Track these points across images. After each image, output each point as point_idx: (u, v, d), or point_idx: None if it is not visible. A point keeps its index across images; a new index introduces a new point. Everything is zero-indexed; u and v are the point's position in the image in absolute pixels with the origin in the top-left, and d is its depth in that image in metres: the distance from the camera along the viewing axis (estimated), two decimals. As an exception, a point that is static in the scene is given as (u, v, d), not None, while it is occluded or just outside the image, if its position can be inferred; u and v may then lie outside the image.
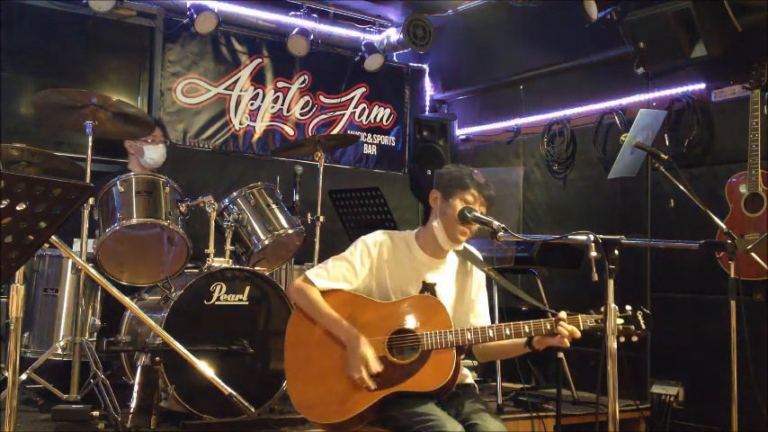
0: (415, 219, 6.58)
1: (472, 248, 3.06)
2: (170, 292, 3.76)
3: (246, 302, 3.84)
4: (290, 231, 4.32)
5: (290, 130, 6.35)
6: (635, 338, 2.61)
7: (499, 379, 4.50)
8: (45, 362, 3.76)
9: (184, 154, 5.81)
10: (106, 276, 3.73)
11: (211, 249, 3.96)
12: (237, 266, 3.94)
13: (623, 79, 5.21)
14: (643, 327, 2.62)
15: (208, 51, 6.01)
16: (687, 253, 4.51)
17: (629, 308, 2.64)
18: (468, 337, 2.72)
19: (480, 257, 3.06)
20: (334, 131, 6.46)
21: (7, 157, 3.77)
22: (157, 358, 3.46)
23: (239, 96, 6.13)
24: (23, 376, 3.59)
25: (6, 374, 2.16)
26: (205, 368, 3.01)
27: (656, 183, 4.92)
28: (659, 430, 4.70)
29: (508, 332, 2.71)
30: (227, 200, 4.23)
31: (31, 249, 1.82)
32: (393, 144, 6.86)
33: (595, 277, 2.37)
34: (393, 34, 6.39)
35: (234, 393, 2.97)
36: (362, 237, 2.95)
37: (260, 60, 6.22)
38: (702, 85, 4.84)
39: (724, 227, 3.50)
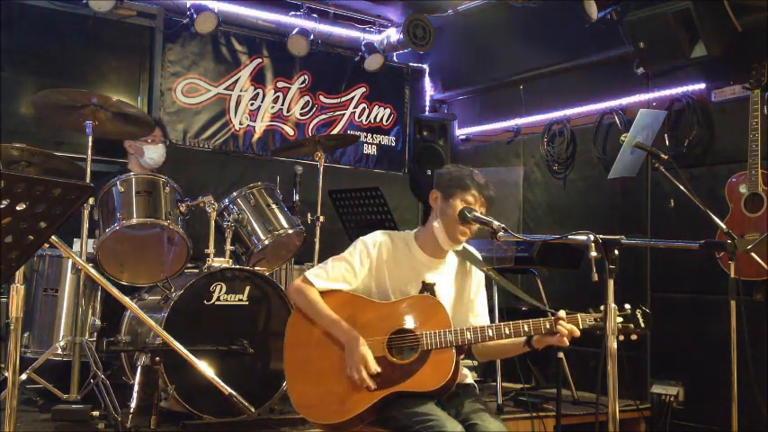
0: (414, 219, 6.58)
1: (471, 248, 3.06)
2: (170, 292, 3.76)
3: (246, 302, 3.84)
4: (290, 231, 4.32)
5: (290, 130, 6.35)
6: (634, 337, 2.61)
7: (499, 379, 4.50)
8: (45, 362, 3.76)
9: (184, 154, 5.81)
10: (106, 276, 3.74)
11: (211, 249, 3.96)
12: (237, 266, 3.94)
13: (623, 79, 5.21)
14: (642, 325, 2.62)
15: (208, 51, 6.01)
16: (687, 253, 4.51)
17: (628, 306, 2.64)
18: (468, 336, 2.72)
19: (479, 257, 3.06)
20: (334, 131, 6.46)
21: (7, 157, 3.77)
22: (157, 358, 3.46)
23: (239, 96, 6.13)
24: (23, 376, 3.59)
25: (6, 374, 2.16)
26: (205, 368, 3.01)
27: (656, 183, 4.92)
28: (659, 430, 4.70)
29: (507, 331, 2.72)
30: (227, 200, 4.23)
31: (31, 249, 1.82)
32: (393, 144, 6.86)
33: (595, 277, 2.37)
34: (393, 34, 6.40)
35: (234, 393, 2.97)
36: (362, 237, 2.95)
37: (260, 60, 6.22)
38: (702, 85, 4.84)
39: (724, 227, 3.50)
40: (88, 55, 5.58)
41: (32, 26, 5.31)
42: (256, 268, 4.14)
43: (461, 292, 2.98)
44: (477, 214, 2.80)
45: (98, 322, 3.96)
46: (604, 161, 5.35)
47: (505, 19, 5.97)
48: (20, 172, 3.69)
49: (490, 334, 2.73)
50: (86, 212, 3.81)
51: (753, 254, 3.51)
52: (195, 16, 5.58)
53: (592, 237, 2.43)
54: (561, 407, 4.25)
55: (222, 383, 2.97)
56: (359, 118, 6.67)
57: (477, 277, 3.03)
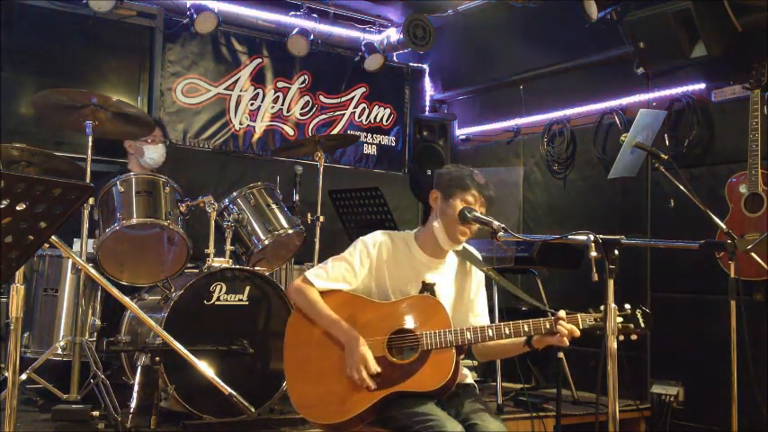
0: (414, 219, 6.58)
1: (471, 248, 3.06)
2: (170, 292, 3.76)
3: (246, 302, 3.84)
4: (290, 231, 4.32)
5: (290, 130, 6.35)
6: (634, 337, 2.61)
7: (499, 379, 4.50)
8: (45, 362, 3.76)
9: (184, 154, 5.81)
10: (106, 276, 3.74)
11: (211, 249, 3.96)
12: (237, 266, 3.94)
13: (623, 79, 5.21)
14: (642, 325, 2.62)
15: (208, 51, 6.01)
16: (687, 253, 4.51)
17: (628, 306, 2.64)
18: (468, 336, 2.72)
19: (479, 257, 3.06)
20: (335, 131, 6.46)
21: (7, 157, 3.77)
22: (157, 358, 3.46)
23: (239, 96, 6.13)
24: (23, 376, 3.59)
25: (6, 374, 2.16)
26: (205, 368, 3.02)
27: (656, 183, 4.92)
28: (659, 430, 4.70)
29: (507, 331, 2.72)
30: (227, 200, 4.23)
31: (31, 249, 1.82)
32: (393, 144, 6.86)
33: (595, 277, 2.37)
34: (393, 34, 6.40)
35: (234, 393, 2.97)
36: (362, 237, 2.95)
37: (260, 60, 6.22)
38: (702, 85, 4.84)
39: (724, 227, 3.50)
40: (88, 55, 5.58)
41: (32, 26, 5.31)
42: (256, 268, 4.14)
43: (461, 292, 2.98)
44: (478, 214, 2.80)
45: (98, 322, 3.97)
46: (604, 161, 5.35)
47: (505, 19, 5.98)
48: (20, 172, 3.69)
49: (490, 334, 2.73)
50: (86, 212, 3.81)
51: (753, 254, 3.52)
52: (195, 16, 5.58)
53: (592, 237, 2.43)
54: (561, 407, 4.25)
55: (222, 383, 2.97)
56: (359, 118, 6.67)
57: (477, 277, 3.03)
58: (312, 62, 6.34)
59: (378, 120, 6.78)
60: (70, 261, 4.03)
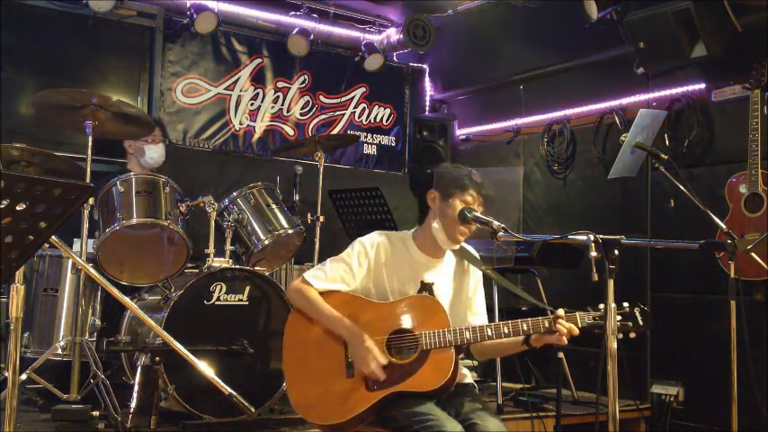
0: (415, 219, 6.49)
1: (469, 247, 3.06)
2: (170, 292, 3.76)
3: (246, 302, 3.84)
4: (290, 231, 4.32)
5: (290, 130, 6.35)
6: (633, 335, 2.61)
7: (499, 379, 4.50)
8: (45, 362, 3.77)
9: (184, 154, 5.81)
10: (106, 276, 3.74)
11: (211, 249, 3.96)
12: (237, 266, 3.94)
13: (623, 79, 5.21)
14: (641, 323, 2.62)
15: (208, 51, 6.01)
16: (687, 253, 4.51)
17: (626, 305, 2.64)
18: (467, 336, 2.72)
19: (477, 256, 3.06)
20: (335, 131, 6.46)
21: (7, 157, 3.77)
22: (157, 358, 3.46)
23: (239, 96, 6.13)
24: (23, 376, 3.59)
25: (6, 374, 2.16)
26: (205, 368, 3.02)
27: (656, 183, 4.92)
28: (659, 430, 4.70)
29: (506, 330, 2.72)
30: (227, 200, 4.24)
31: (31, 249, 1.82)
32: (393, 144, 6.86)
33: (595, 277, 2.37)
34: (393, 34, 6.39)
35: (234, 393, 2.97)
36: (359, 238, 2.94)
37: (260, 60, 6.22)
38: (702, 85, 4.84)
39: (724, 227, 3.50)
40: (88, 55, 5.58)
41: (32, 26, 5.31)
42: (256, 268, 4.14)
43: (459, 291, 2.98)
44: (478, 214, 2.79)
45: (98, 322, 3.97)
46: (604, 161, 5.35)
47: (505, 19, 5.98)
48: (20, 172, 3.69)
49: (489, 333, 2.73)
50: (86, 212, 3.81)
51: (753, 254, 3.52)
52: (195, 16, 5.58)
53: (592, 237, 2.43)
54: (561, 407, 4.25)
55: (222, 383, 2.97)
56: (359, 118, 6.67)
57: (476, 276, 3.03)
58: (312, 62, 6.34)
59: (378, 120, 6.78)
60: (70, 261, 4.04)
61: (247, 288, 3.85)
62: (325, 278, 2.86)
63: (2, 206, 1.67)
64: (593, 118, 5.51)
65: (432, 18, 6.16)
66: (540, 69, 5.87)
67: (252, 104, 6.17)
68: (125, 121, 4.06)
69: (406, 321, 2.78)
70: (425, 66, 7.00)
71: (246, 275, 3.87)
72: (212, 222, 4.01)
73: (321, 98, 6.49)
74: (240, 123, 6.12)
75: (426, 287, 2.88)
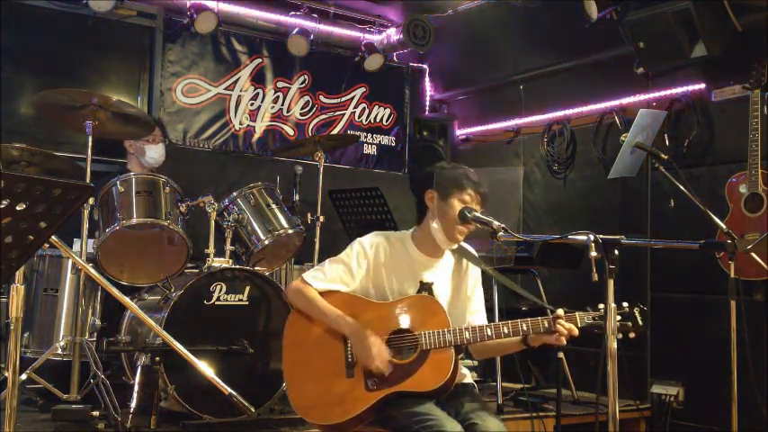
0: (415, 219, 6.56)
1: (467, 246, 3.06)
2: (170, 292, 3.76)
3: (246, 302, 3.85)
4: (290, 231, 4.32)
5: (290, 130, 6.35)
6: (632, 335, 2.61)
7: (499, 379, 4.50)
8: (45, 362, 3.76)
9: (184, 154, 5.81)
10: (106, 276, 3.74)
11: (211, 249, 3.96)
12: (237, 266, 3.94)
13: (623, 79, 5.21)
14: (640, 324, 2.62)
15: (208, 51, 6.01)
16: (687, 253, 4.51)
17: (626, 305, 2.64)
18: (467, 336, 2.72)
19: (475, 254, 3.06)
20: (335, 131, 6.46)
21: (7, 157, 3.77)
22: (157, 358, 3.46)
23: (239, 96, 6.13)
24: (23, 376, 3.59)
25: (6, 374, 2.16)
26: (205, 368, 3.02)
27: (656, 183, 4.92)
28: (659, 430, 4.70)
29: (506, 330, 2.72)
30: (227, 200, 4.24)
31: (31, 249, 1.82)
32: (393, 144, 6.86)
33: (595, 277, 2.37)
34: (393, 34, 6.39)
35: (234, 393, 2.97)
36: (358, 238, 2.94)
37: (260, 60, 6.22)
38: (702, 85, 4.84)
39: (724, 227, 3.50)
40: (88, 55, 5.58)
41: (32, 26, 5.31)
42: (256, 268, 4.14)
43: (458, 290, 2.98)
44: (478, 214, 2.79)
45: (98, 322, 3.97)
46: (604, 161, 5.35)
47: (505, 19, 5.97)
48: (20, 172, 3.69)
49: (489, 333, 2.73)
50: (86, 212, 3.81)
51: (753, 254, 3.52)
52: (195, 16, 5.58)
53: (592, 237, 2.43)
54: (561, 407, 4.25)
55: (222, 383, 2.97)
56: (359, 118, 6.67)
57: (474, 274, 3.03)
58: (312, 62, 6.34)
59: (378, 120, 6.78)
60: (70, 261, 4.04)
61: (247, 288, 3.85)
62: (325, 278, 2.86)
63: (2, 206, 1.67)
64: (593, 118, 5.51)
65: (432, 18, 6.16)
66: (540, 69, 5.87)
67: (252, 104, 6.17)
68: (125, 121, 4.06)
69: (406, 321, 2.78)
70: (425, 66, 7.00)
71: (246, 275, 3.87)
72: (212, 222, 4.01)
73: (321, 98, 6.49)
74: (240, 123, 6.12)
75: (426, 287, 2.89)
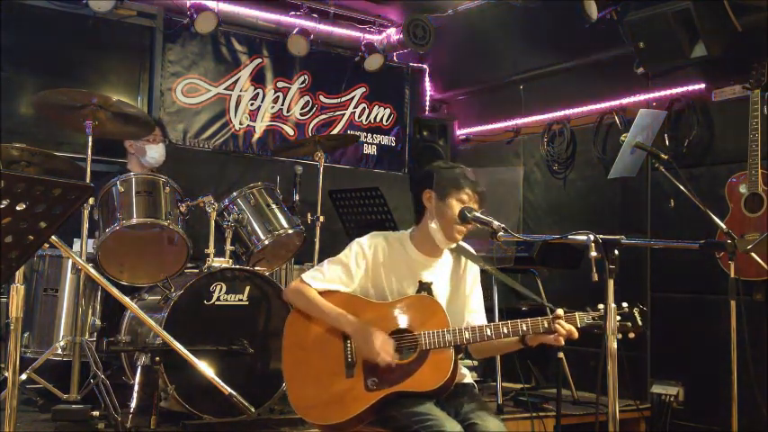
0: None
1: (465, 245, 3.05)
2: (170, 292, 3.76)
3: (246, 302, 3.85)
4: (290, 231, 4.32)
5: (290, 130, 6.35)
6: (632, 335, 2.61)
7: (499, 379, 4.50)
8: (45, 362, 3.77)
9: (184, 154, 5.81)
10: (106, 276, 3.73)
11: (211, 249, 3.96)
12: (237, 266, 3.94)
13: (623, 79, 5.21)
14: (640, 324, 2.62)
15: (208, 51, 6.01)
16: (687, 253, 4.51)
17: (625, 305, 2.64)
18: (467, 336, 2.72)
19: (474, 252, 3.06)
20: (335, 131, 6.46)
21: (7, 157, 3.77)
22: (157, 358, 3.46)
23: (239, 96, 6.13)
24: (23, 376, 3.59)
25: (6, 374, 2.16)
26: (205, 368, 3.02)
27: (656, 183, 4.92)
28: (659, 430, 4.70)
29: (506, 331, 2.72)
30: (227, 200, 4.24)
31: (31, 249, 1.82)
32: (393, 144, 6.86)
33: (595, 277, 2.37)
34: (393, 34, 6.39)
35: (234, 393, 2.98)
36: (357, 239, 2.94)
37: (260, 60, 6.22)
38: (702, 85, 4.84)
39: (724, 227, 3.50)
40: (88, 55, 5.58)
41: (32, 26, 5.31)
42: (256, 268, 4.14)
43: (457, 289, 2.98)
44: (478, 214, 2.79)
45: (98, 322, 3.97)
46: (604, 161, 5.35)
47: (505, 19, 5.97)
48: (20, 172, 3.69)
49: (488, 333, 2.73)
50: (86, 212, 3.81)
51: (753, 254, 3.52)
52: (195, 16, 5.58)
53: (592, 237, 2.43)
54: (561, 407, 4.26)
55: (222, 383, 2.97)
56: (359, 118, 6.67)
57: (473, 273, 3.04)
58: (312, 62, 6.34)
59: (378, 120, 6.78)
60: (70, 261, 4.04)
61: (247, 288, 3.85)
62: (323, 279, 2.86)
63: (2, 206, 1.67)
64: (593, 118, 5.51)
65: (432, 18, 6.16)
66: (540, 69, 5.87)
67: (252, 104, 6.17)
68: (125, 121, 4.06)
69: (406, 321, 2.78)
70: (425, 66, 7.00)
71: (246, 275, 3.87)
72: (212, 222, 4.01)
73: (321, 98, 6.49)
74: (240, 123, 6.13)
75: (425, 287, 2.89)
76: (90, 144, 3.86)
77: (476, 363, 4.91)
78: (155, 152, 4.71)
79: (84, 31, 5.49)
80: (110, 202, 3.87)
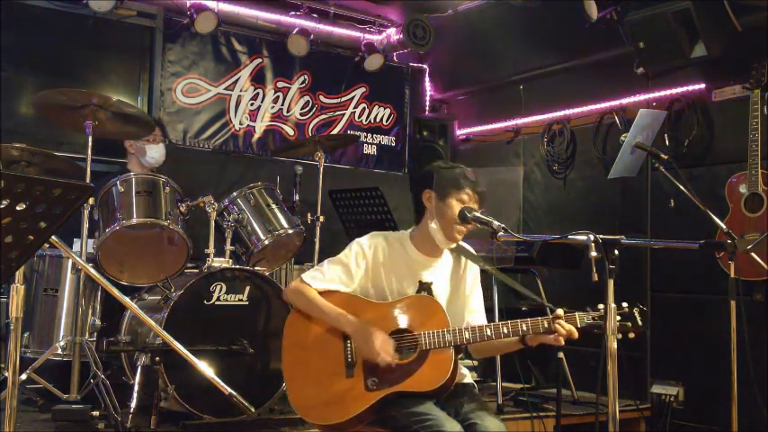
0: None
1: (465, 244, 3.05)
2: (170, 292, 3.76)
3: (246, 302, 3.84)
4: (290, 231, 4.32)
5: (290, 130, 6.35)
6: (632, 335, 2.61)
7: (499, 379, 4.51)
8: (45, 362, 3.77)
9: (184, 154, 5.81)
10: (106, 276, 3.73)
11: (211, 249, 3.96)
12: (237, 266, 3.94)
13: (623, 79, 5.21)
14: (640, 324, 2.62)
15: (208, 51, 6.01)
16: (687, 253, 4.51)
17: (625, 305, 2.64)
18: (467, 336, 2.72)
19: (474, 252, 3.06)
20: (335, 131, 6.46)
21: (7, 157, 3.77)
22: (157, 358, 3.46)
23: (239, 96, 6.13)
24: (23, 376, 3.59)
25: (6, 374, 2.16)
26: (205, 368, 3.02)
27: (656, 183, 4.92)
28: (659, 430, 4.70)
29: (506, 331, 2.72)
30: (227, 200, 4.24)
31: (31, 249, 1.82)
32: (393, 144, 6.86)
33: (595, 277, 2.37)
34: (393, 34, 6.39)
35: (234, 393, 2.98)
36: (357, 239, 2.94)
37: (260, 60, 6.22)
38: (702, 85, 4.84)
39: (724, 227, 3.50)
40: (88, 55, 5.58)
41: (32, 26, 5.31)
42: (256, 268, 4.14)
43: (457, 289, 2.98)
44: (478, 214, 2.79)
45: (98, 322, 3.97)
46: (604, 161, 5.35)
47: (505, 19, 5.97)
48: (20, 172, 3.69)
49: (489, 333, 2.73)
50: (86, 212, 3.81)
51: (753, 254, 3.52)
52: (195, 16, 5.58)
53: (592, 237, 2.43)
54: (561, 407, 4.26)
55: (222, 383, 2.97)
56: (359, 118, 6.67)
57: (473, 272, 3.03)
58: (312, 62, 6.34)
59: (378, 120, 6.78)
60: (70, 261, 4.04)
61: (247, 288, 3.85)
62: (323, 279, 2.86)
63: (2, 206, 1.67)
64: (593, 118, 5.51)
65: (432, 18, 6.16)
66: (540, 69, 5.87)
67: (252, 104, 6.17)
68: (125, 121, 4.06)
69: (406, 321, 2.78)
70: (425, 66, 7.00)
71: (246, 275, 3.87)
72: (212, 222, 4.02)
73: (321, 98, 6.49)
74: (240, 123, 6.13)
75: (425, 287, 2.89)
76: (90, 144, 3.86)
77: (476, 363, 4.91)
78: (155, 152, 4.71)
79: (84, 31, 5.49)
80: (110, 202, 3.87)
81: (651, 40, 4.57)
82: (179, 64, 5.88)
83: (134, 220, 3.82)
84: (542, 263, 4.76)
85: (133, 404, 3.47)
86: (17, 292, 2.17)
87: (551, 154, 5.80)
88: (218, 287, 3.77)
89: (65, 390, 3.69)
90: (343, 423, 2.72)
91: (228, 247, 4.06)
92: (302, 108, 6.40)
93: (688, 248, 3.33)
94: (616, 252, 2.42)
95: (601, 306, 2.60)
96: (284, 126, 6.33)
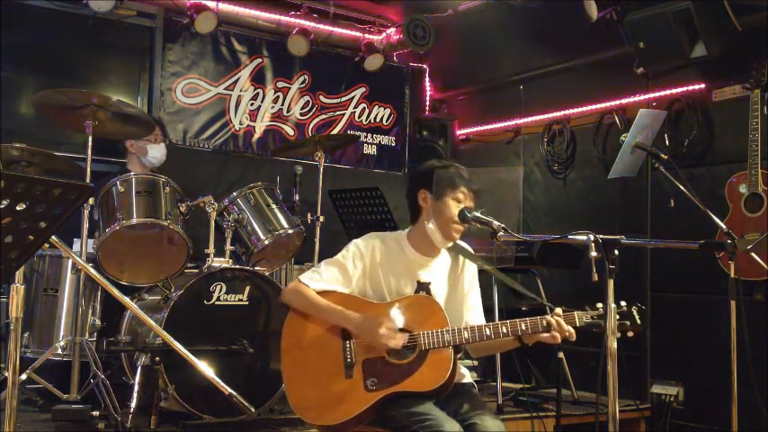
0: (414, 219, 6.57)
1: (462, 243, 3.05)
2: (170, 292, 3.76)
3: (246, 302, 3.84)
4: (290, 231, 4.32)
5: (290, 130, 6.35)
6: (631, 334, 2.61)
7: (499, 379, 4.51)
8: (45, 362, 3.77)
9: (184, 154, 5.81)
10: (106, 276, 3.74)
11: (211, 249, 3.96)
12: (237, 266, 3.94)
13: (623, 79, 5.21)
14: (639, 323, 2.62)
15: (208, 51, 6.01)
16: (687, 253, 4.51)
17: (624, 304, 2.65)
18: (466, 335, 2.72)
19: (471, 250, 3.06)
20: (335, 131, 6.46)
21: (7, 157, 3.77)
22: (157, 358, 3.46)
23: (239, 96, 6.13)
24: (23, 376, 3.59)
25: (6, 374, 2.16)
26: (205, 368, 3.02)
27: (656, 183, 4.92)
28: (659, 430, 4.70)
29: (505, 330, 2.72)
30: (227, 200, 4.23)
31: (31, 249, 1.82)
32: (393, 144, 6.86)
33: (595, 277, 2.37)
34: (393, 34, 6.40)
35: (234, 393, 2.97)
36: (354, 240, 2.95)
37: (260, 60, 6.22)
38: (702, 85, 4.84)
39: (724, 227, 3.50)
40: (88, 55, 5.58)
41: (32, 26, 5.31)
42: (256, 268, 4.14)
43: (455, 288, 2.99)
44: (478, 214, 2.79)
45: (98, 322, 3.97)
46: (604, 161, 5.35)
47: (505, 19, 5.97)
48: (20, 172, 3.69)
49: (488, 333, 2.73)
50: (86, 212, 3.81)
51: (753, 254, 3.52)
52: (195, 16, 5.58)
53: (592, 237, 2.43)
54: (561, 407, 4.26)
55: (222, 383, 2.97)
56: (359, 118, 6.67)
57: (471, 271, 3.04)
58: (312, 62, 6.33)
59: (378, 120, 6.78)
60: (70, 261, 4.04)
61: (247, 288, 3.85)
62: (321, 279, 2.87)
63: (2, 206, 1.67)
64: (593, 118, 5.51)
65: (432, 18, 6.16)
66: (540, 69, 5.87)
67: (252, 104, 6.17)
68: (125, 120, 4.07)
69: (405, 321, 2.78)
70: (425, 66, 7.00)
71: (246, 275, 3.87)
72: (212, 222, 4.02)
73: (321, 98, 6.49)
74: (240, 123, 6.12)
75: (423, 287, 2.89)
76: (90, 144, 3.87)
77: (476, 363, 4.91)
78: (156, 152, 4.72)
79: (84, 31, 5.48)
80: (110, 202, 3.87)
81: (651, 40, 4.57)
82: (179, 64, 5.88)
83: (134, 220, 3.82)
84: (542, 263, 4.76)
85: (133, 404, 3.47)
86: (17, 292, 2.16)
87: (551, 154, 5.80)
88: (218, 287, 3.77)
89: (65, 390, 3.69)
90: (342, 423, 2.72)
91: (228, 247, 4.06)
92: (302, 108, 6.40)
93: (688, 248, 3.33)
94: (616, 252, 2.42)
95: (599, 305, 2.60)
96: (284, 126, 6.33)
